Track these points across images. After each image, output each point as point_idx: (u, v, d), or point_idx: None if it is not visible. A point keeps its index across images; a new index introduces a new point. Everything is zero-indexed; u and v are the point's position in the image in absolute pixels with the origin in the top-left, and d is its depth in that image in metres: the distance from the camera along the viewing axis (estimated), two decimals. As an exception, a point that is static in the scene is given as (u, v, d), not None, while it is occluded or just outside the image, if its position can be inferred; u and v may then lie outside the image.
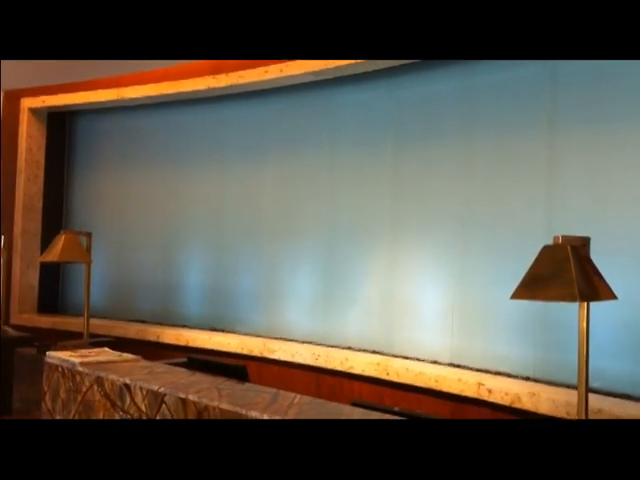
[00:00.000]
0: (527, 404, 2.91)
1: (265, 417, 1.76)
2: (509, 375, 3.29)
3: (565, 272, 1.81)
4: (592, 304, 3.18)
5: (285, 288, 4.47)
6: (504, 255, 3.43)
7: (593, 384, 3.06)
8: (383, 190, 4.01)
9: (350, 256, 4.16)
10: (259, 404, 1.94)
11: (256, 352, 4.16)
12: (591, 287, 1.87)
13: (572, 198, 3.16)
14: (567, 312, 3.23)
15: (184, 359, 3.09)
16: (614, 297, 1.96)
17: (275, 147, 4.61)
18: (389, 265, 3.97)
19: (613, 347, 3.01)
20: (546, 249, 1.93)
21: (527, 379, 3.20)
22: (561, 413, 2.79)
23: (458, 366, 3.50)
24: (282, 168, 4.57)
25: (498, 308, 3.42)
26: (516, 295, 1.93)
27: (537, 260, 1.92)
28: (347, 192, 4.21)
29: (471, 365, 3.48)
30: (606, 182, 3.04)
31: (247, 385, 2.37)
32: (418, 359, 3.68)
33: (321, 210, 4.34)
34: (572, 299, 1.82)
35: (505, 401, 2.96)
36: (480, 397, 3.08)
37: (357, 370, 3.66)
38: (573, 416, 2.78)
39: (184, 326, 4.94)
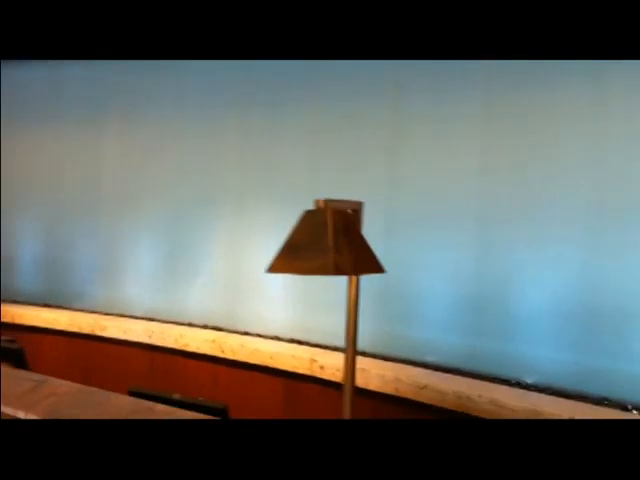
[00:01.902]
0: (358, 380, 2.79)
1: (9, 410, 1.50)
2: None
3: (321, 241, 1.58)
4: (425, 274, 3.22)
5: (125, 261, 4.13)
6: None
7: (426, 358, 3.03)
8: (230, 160, 3.77)
9: (195, 228, 3.89)
10: (14, 393, 1.67)
11: (86, 329, 3.81)
12: (353, 259, 1.65)
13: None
14: (406, 282, 3.21)
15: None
16: (381, 270, 1.77)
17: (116, 110, 4.23)
18: (235, 237, 3.74)
19: (448, 321, 2.98)
20: (307, 214, 1.68)
21: (363, 354, 3.10)
22: (390, 389, 2.71)
23: (298, 342, 3.35)
24: (123, 133, 4.21)
25: (338, 280, 3.29)
26: (273, 268, 1.67)
27: (296, 227, 1.67)
28: (193, 161, 3.93)
29: (311, 340, 3.34)
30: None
31: (13, 371, 2.06)
32: (260, 335, 3.50)
33: (165, 179, 4.04)
34: (325, 271, 1.58)
35: (337, 377, 2.83)
36: (313, 374, 2.94)
37: (192, 348, 3.43)
38: (402, 392, 2.70)
39: (14, 302, 4.48)
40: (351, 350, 1.86)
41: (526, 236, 2.75)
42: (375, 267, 1.72)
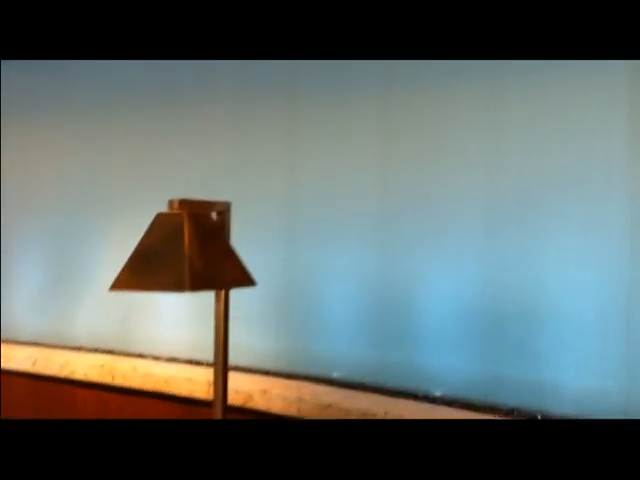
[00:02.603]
0: (259, 403, 2.60)
1: None
2: (250, 370, 2.96)
3: (175, 250, 1.35)
4: (328, 283, 3.06)
5: (7, 277, 3.76)
6: (247, 237, 3.10)
7: (332, 374, 2.86)
8: (116, 161, 3.49)
9: (86, 237, 3.58)
10: None
11: (-40, 359, 3.43)
12: (214, 271, 1.45)
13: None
14: (310, 292, 3.04)
15: None
16: (251, 283, 1.59)
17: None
18: (128, 249, 3.46)
19: (353, 332, 2.82)
20: (159, 218, 1.47)
21: (267, 373, 2.90)
22: (293, 410, 2.52)
23: (197, 362, 3.12)
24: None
25: (240, 293, 3.09)
26: (116, 285, 1.43)
27: (146, 234, 1.46)
28: (75, 163, 3.62)
29: (212, 360, 3.11)
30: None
31: None
32: (155, 357, 3.23)
33: (49, 183, 3.70)
34: (179, 287, 1.35)
35: (237, 401, 2.62)
36: (211, 398, 2.71)
37: (79, 375, 3.12)
38: (305, 413, 2.52)
39: None
40: (221, 377, 1.65)
41: (429, 240, 2.62)
42: (243, 280, 1.51)
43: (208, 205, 1.49)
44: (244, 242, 3.23)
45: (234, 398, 2.65)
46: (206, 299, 3.22)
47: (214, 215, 1.55)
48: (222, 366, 1.65)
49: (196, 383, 2.78)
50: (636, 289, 2.20)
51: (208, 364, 3.07)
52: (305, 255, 2.96)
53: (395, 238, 2.73)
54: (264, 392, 2.55)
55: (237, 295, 3.22)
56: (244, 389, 2.62)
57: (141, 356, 3.24)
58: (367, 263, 2.79)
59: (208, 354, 3.22)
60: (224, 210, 1.60)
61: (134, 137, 3.49)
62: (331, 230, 2.88)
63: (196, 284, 1.33)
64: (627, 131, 2.23)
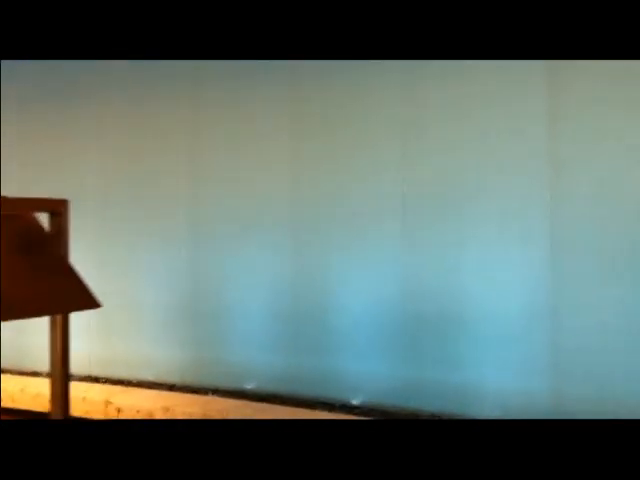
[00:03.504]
0: (163, 422, 2.36)
1: None
2: (153, 384, 2.72)
3: None
4: (238, 289, 2.84)
5: None
6: (147, 237, 2.87)
7: (245, 385, 2.65)
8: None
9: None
10: None
11: None
12: (37, 291, 1.11)
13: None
14: (219, 299, 2.81)
15: None
16: (93, 304, 1.26)
17: None
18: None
19: (266, 339, 2.62)
20: None
21: (172, 388, 2.66)
22: (199, 429, 2.29)
23: (96, 379, 2.84)
24: None
25: (142, 300, 2.84)
26: None
27: None
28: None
29: (113, 375, 2.85)
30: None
31: None
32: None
33: None
34: None
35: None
36: (109, 418, 2.45)
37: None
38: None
39: None
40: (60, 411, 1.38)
41: (346, 242, 2.46)
42: (82, 301, 1.20)
43: (36, 203, 1.15)
44: (145, 245, 3.01)
45: (135, 417, 2.40)
46: (107, 308, 2.95)
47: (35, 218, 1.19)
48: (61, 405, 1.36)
49: (92, 403, 2.50)
50: (559, 288, 2.10)
51: (111, 380, 2.81)
52: (214, 260, 2.73)
53: (310, 242, 2.55)
54: (167, 410, 2.31)
55: (138, 302, 2.98)
56: (145, 406, 2.37)
57: (35, 374, 2.93)
58: (281, 268, 2.59)
59: (108, 369, 2.97)
60: (60, 211, 1.18)
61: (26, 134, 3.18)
62: (242, 234, 2.67)
63: (7, 313, 1.02)
64: (546, 129, 2.13)
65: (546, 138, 2.12)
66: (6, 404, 2.70)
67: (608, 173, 2.03)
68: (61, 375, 1.28)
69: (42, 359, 2.95)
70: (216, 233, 2.72)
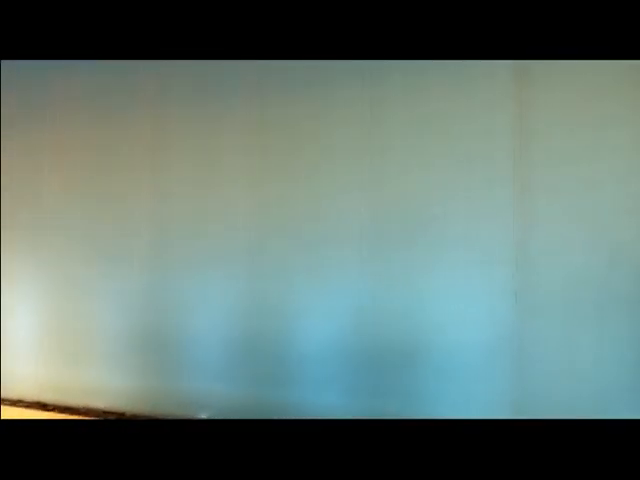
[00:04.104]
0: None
1: None
2: (102, 413, 2.58)
3: None
4: (193, 315, 2.72)
5: None
6: (106, 259, 2.75)
7: (200, 414, 2.53)
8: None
9: None
10: None
11: None
12: None
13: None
14: (178, 329, 2.69)
15: None
16: None
17: None
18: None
19: (222, 368, 2.51)
20: None
21: (121, 416, 2.53)
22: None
23: (44, 405, 2.70)
24: None
25: (97, 325, 2.72)
26: None
27: None
28: None
29: (63, 402, 2.71)
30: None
31: None
32: (3, 400, 2.79)
33: None
34: None
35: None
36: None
37: None
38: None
39: None
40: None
41: (304, 268, 2.36)
42: None
43: None
44: (103, 266, 2.89)
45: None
46: (53, 335, 2.83)
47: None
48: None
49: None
50: (524, 323, 2.01)
51: (55, 407, 2.67)
52: (171, 284, 2.62)
53: (267, 267, 2.45)
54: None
55: (93, 326, 2.85)
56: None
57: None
58: (238, 294, 2.48)
59: (61, 395, 2.83)
60: None
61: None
62: (199, 259, 2.56)
63: None
64: (514, 148, 2.06)
65: (513, 158, 2.05)
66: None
67: (576, 198, 1.96)
68: None
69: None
70: (171, 257, 2.62)
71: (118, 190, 2.74)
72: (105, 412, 2.58)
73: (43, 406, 2.69)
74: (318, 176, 2.36)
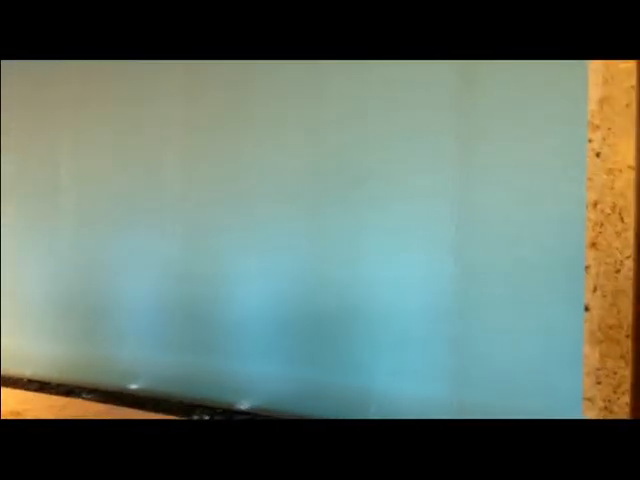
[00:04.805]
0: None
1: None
2: (28, 382, 2.42)
3: None
4: (124, 280, 2.53)
5: None
6: (32, 220, 2.57)
7: (131, 385, 2.36)
8: None
9: None
10: None
11: None
12: None
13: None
14: (107, 294, 2.50)
15: None
16: None
17: None
18: None
19: (155, 335, 2.34)
20: None
21: (45, 386, 2.37)
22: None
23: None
24: None
25: (22, 290, 2.55)
26: None
27: None
28: None
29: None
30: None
31: None
32: None
33: None
34: None
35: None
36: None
37: None
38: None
39: None
40: None
41: (239, 230, 2.18)
42: None
43: None
44: (29, 229, 2.69)
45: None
46: None
47: None
48: None
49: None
50: (464, 287, 1.83)
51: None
52: (98, 247, 2.42)
53: (200, 228, 2.26)
54: (17, 414, 2.01)
55: (18, 291, 2.65)
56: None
57: None
58: (170, 256, 2.30)
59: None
60: None
61: None
62: (129, 219, 2.37)
63: None
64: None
65: (455, 108, 1.84)
66: None
67: (518, 147, 1.76)
68: None
69: None
70: (101, 217, 2.43)
71: (43, 147, 2.53)
72: (30, 381, 2.42)
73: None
74: (251, 130, 2.16)
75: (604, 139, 1.55)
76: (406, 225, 1.90)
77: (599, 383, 1.47)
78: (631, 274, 1.46)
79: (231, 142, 2.20)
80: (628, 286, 1.46)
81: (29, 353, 2.50)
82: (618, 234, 1.48)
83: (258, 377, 2.14)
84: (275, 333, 2.11)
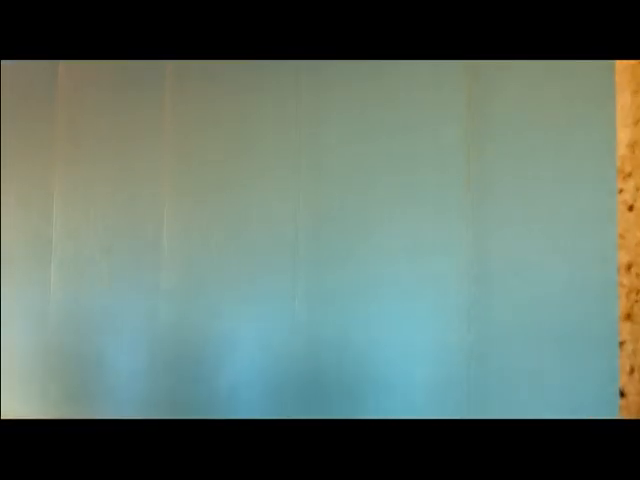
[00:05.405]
0: None
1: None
2: None
3: None
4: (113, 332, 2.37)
5: None
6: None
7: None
8: None
9: None
10: None
11: None
12: None
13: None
14: (98, 353, 2.34)
15: None
16: None
17: None
18: None
19: (143, 395, 2.16)
20: None
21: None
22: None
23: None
24: None
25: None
26: None
27: None
28: None
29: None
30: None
31: None
32: None
33: None
34: None
35: None
36: None
37: None
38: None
39: None
40: None
41: (233, 284, 2.00)
42: None
43: None
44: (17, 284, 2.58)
45: None
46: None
47: None
48: None
49: None
50: (478, 357, 1.60)
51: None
52: (85, 305, 2.29)
53: (192, 282, 2.09)
54: None
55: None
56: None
57: None
58: (161, 311, 2.14)
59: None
60: None
61: None
62: (115, 271, 2.22)
63: None
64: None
65: (466, 159, 1.64)
66: None
67: (535, 202, 1.54)
68: None
69: None
70: (89, 271, 2.28)
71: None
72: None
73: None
74: (249, 180, 1.98)
75: (638, 189, 1.34)
76: (414, 284, 1.69)
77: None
78: (675, 353, 1.24)
79: (226, 192, 2.03)
80: (672, 367, 1.25)
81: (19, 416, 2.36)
82: (658, 304, 1.27)
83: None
84: (269, 397, 1.92)
